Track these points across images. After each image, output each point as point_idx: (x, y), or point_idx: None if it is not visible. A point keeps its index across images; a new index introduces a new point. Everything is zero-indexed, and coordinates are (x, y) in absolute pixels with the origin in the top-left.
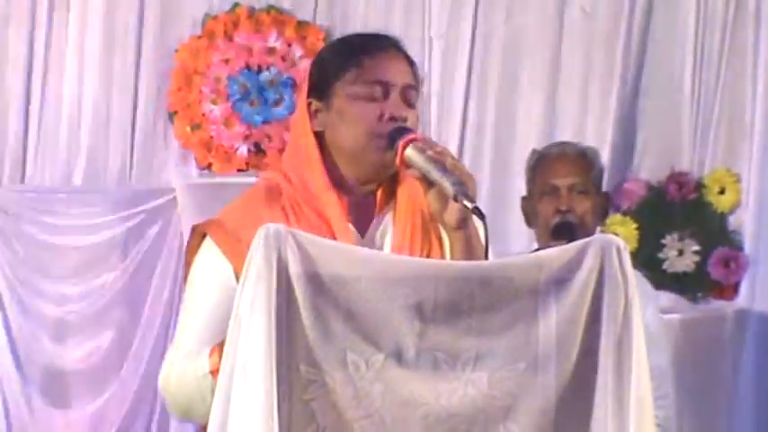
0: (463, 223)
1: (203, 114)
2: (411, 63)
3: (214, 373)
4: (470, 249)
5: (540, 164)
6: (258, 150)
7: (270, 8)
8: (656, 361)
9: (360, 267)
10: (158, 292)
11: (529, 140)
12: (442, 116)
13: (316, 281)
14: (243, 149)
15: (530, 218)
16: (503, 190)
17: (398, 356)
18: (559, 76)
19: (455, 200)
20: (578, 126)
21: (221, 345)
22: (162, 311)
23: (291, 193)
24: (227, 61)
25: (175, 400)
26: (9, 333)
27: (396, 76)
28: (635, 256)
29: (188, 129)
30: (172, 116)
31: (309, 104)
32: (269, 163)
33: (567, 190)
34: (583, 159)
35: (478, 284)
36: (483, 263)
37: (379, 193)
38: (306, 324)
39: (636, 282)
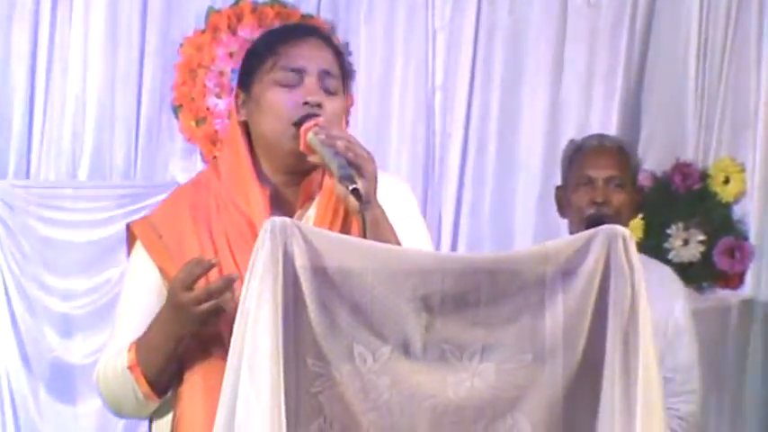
0: (364, 206)
1: (208, 108)
2: (337, 53)
3: (132, 368)
4: (377, 233)
5: (578, 154)
6: None
7: (273, 2)
8: (684, 356)
9: (366, 260)
10: None
11: (533, 133)
12: (446, 109)
13: (322, 274)
14: None
15: (563, 207)
16: (507, 183)
17: (405, 349)
18: (563, 68)
19: (340, 182)
20: (582, 117)
21: (138, 341)
22: None
23: (218, 187)
24: (231, 55)
25: (105, 395)
26: (16, 328)
27: (311, 62)
28: (641, 246)
29: (193, 123)
30: (176, 110)
31: (237, 96)
32: None
33: (603, 182)
34: (621, 152)
35: (485, 276)
36: (490, 254)
37: (303, 183)
38: (312, 317)
39: (668, 277)
